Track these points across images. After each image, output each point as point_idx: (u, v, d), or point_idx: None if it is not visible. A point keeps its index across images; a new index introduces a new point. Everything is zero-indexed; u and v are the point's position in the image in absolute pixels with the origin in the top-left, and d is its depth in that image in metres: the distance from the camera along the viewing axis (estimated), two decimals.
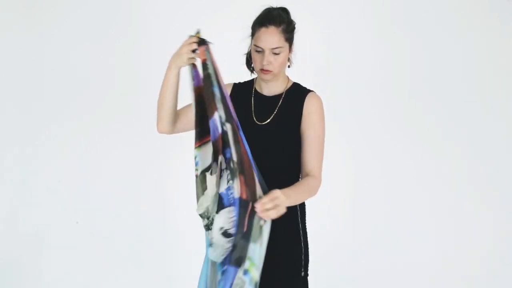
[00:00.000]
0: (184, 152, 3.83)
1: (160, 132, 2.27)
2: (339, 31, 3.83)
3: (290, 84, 2.28)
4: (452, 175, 3.83)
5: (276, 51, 2.13)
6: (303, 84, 2.31)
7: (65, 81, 3.87)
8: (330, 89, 3.77)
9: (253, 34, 2.16)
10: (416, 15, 3.83)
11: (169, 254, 3.84)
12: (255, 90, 2.28)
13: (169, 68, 2.15)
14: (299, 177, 2.24)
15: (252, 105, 2.24)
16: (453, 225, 3.84)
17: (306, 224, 2.28)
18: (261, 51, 2.13)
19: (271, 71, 2.16)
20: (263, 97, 2.25)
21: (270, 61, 2.13)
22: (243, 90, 2.29)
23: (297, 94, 2.24)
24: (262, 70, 2.16)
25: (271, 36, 2.11)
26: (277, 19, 2.12)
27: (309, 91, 2.26)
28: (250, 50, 2.23)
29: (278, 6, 2.20)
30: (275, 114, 2.21)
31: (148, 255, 3.86)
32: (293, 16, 2.22)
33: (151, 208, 3.87)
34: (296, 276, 2.22)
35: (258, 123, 2.21)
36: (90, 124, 3.87)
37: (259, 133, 2.18)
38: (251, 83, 2.32)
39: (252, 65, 2.25)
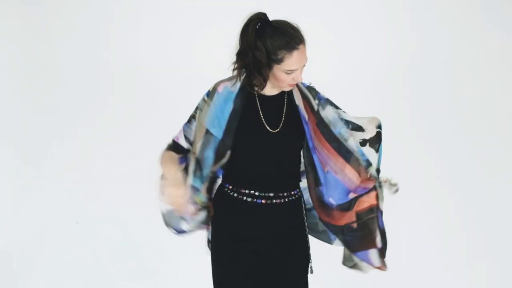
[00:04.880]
0: None
1: None
2: (338, 31, 3.84)
3: None
4: (453, 175, 3.86)
5: (305, 64, 2.09)
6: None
7: (65, 81, 3.88)
8: (331, 88, 3.81)
9: (277, 60, 2.02)
10: (416, 15, 3.84)
11: (170, 254, 3.84)
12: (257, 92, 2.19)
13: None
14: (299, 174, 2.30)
15: (260, 110, 2.17)
16: (450, 224, 3.87)
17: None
18: (291, 73, 2.05)
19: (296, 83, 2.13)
20: (267, 98, 2.19)
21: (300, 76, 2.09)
22: (242, 93, 2.16)
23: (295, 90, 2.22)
24: (289, 84, 2.10)
25: (304, 55, 2.05)
26: (300, 35, 2.04)
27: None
28: (258, 62, 2.04)
29: (261, 13, 2.07)
30: (284, 118, 2.18)
31: (148, 255, 3.86)
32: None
33: (151, 208, 3.85)
34: (305, 272, 2.30)
35: (271, 130, 2.16)
36: (90, 124, 3.87)
37: (271, 141, 2.16)
38: (244, 89, 2.16)
39: (254, 79, 2.09)
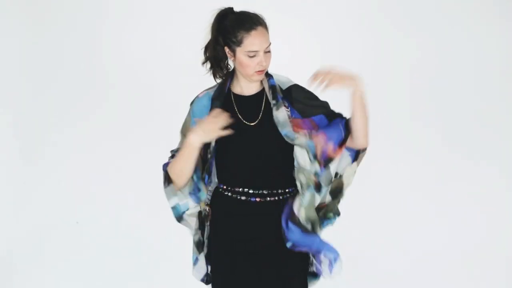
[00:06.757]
0: None
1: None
2: (340, 31, 3.83)
3: (268, 77, 2.27)
4: (453, 178, 3.84)
5: (268, 49, 2.15)
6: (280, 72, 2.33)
7: (66, 81, 3.88)
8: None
9: (237, 42, 2.12)
10: (418, 14, 3.83)
11: (170, 254, 3.84)
12: (234, 93, 2.24)
13: (192, 144, 2.10)
14: (293, 172, 2.26)
15: (235, 107, 2.22)
16: (447, 226, 3.86)
17: None
18: (254, 55, 2.11)
19: (264, 70, 2.16)
20: (245, 98, 2.24)
21: (264, 61, 2.13)
22: (217, 100, 2.22)
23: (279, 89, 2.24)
24: (256, 72, 2.14)
25: (263, 36, 2.13)
26: (259, 19, 2.15)
27: (290, 84, 2.28)
28: (217, 55, 2.19)
29: (226, 7, 2.20)
30: (262, 113, 2.21)
31: (148, 256, 3.86)
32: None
33: (151, 208, 3.87)
34: (303, 271, 2.30)
35: (248, 123, 2.20)
36: (91, 124, 3.88)
37: (251, 134, 2.19)
38: (220, 88, 2.25)
39: (214, 71, 2.24)
